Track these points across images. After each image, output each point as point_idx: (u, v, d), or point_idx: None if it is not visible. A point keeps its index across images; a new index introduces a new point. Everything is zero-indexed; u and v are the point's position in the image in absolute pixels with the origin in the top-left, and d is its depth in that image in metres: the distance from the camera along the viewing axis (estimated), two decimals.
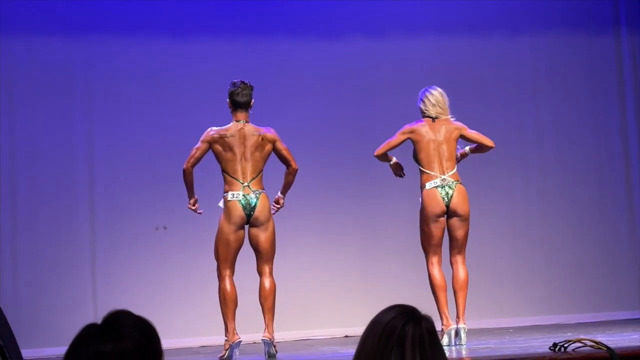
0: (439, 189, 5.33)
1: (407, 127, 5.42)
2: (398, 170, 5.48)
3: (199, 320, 6.38)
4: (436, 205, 5.31)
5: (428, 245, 5.36)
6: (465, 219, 5.36)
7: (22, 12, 6.48)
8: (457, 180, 5.38)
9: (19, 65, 6.49)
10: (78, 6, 6.57)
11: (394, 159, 5.46)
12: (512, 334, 6.06)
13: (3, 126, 6.45)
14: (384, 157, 5.45)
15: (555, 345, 4.08)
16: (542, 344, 4.70)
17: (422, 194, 5.38)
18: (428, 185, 5.33)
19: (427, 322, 1.63)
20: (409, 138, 5.40)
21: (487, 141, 5.47)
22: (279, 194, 5.40)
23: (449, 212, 5.34)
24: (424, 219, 5.36)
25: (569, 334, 5.23)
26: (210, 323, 5.89)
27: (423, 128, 5.40)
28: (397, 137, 5.40)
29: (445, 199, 5.32)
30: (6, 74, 6.47)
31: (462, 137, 5.44)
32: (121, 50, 6.64)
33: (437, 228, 5.33)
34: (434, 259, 5.35)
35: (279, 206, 5.39)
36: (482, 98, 7.10)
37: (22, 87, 6.50)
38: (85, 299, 6.41)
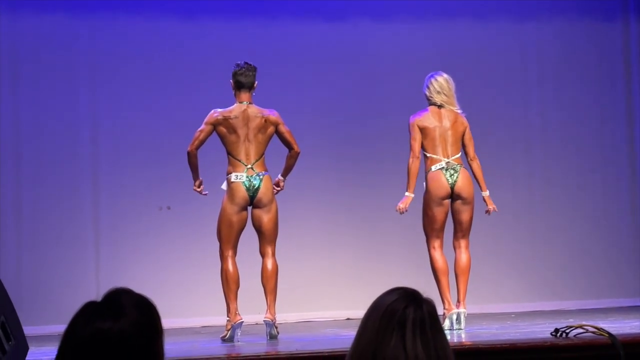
0: (444, 171, 5.32)
1: (415, 121, 5.36)
2: (405, 205, 5.37)
3: (201, 301, 6.40)
4: (441, 187, 5.30)
5: (431, 229, 5.35)
6: (469, 202, 5.34)
7: None
8: (461, 164, 5.37)
9: (24, 42, 6.48)
10: None
11: (413, 195, 5.32)
12: (513, 319, 6.06)
13: (7, 104, 6.45)
14: (415, 171, 5.26)
15: (556, 330, 4.08)
16: (543, 329, 4.70)
17: (426, 177, 5.37)
18: (434, 168, 5.32)
19: (429, 305, 1.63)
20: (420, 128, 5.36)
21: (472, 151, 5.41)
22: (279, 176, 5.40)
23: (454, 195, 5.33)
24: (428, 203, 5.34)
25: (571, 319, 5.23)
26: (213, 303, 5.91)
27: (428, 117, 5.38)
28: (416, 132, 5.33)
29: (450, 180, 5.31)
30: (10, 52, 6.46)
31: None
32: (126, 28, 6.62)
33: (440, 212, 5.32)
34: (436, 243, 5.35)
35: (279, 189, 5.39)
36: (487, 84, 7.07)
37: (27, 64, 6.48)
38: (88, 278, 6.43)
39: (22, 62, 6.48)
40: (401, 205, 5.35)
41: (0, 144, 6.44)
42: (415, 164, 5.31)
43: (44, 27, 6.50)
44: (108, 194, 6.55)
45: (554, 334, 4.08)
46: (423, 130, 5.37)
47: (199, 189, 5.35)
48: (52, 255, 6.43)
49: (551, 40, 7.22)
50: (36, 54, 6.49)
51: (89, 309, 1.52)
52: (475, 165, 5.43)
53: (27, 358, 4.02)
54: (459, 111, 5.43)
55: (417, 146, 5.31)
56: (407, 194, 5.36)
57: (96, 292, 6.27)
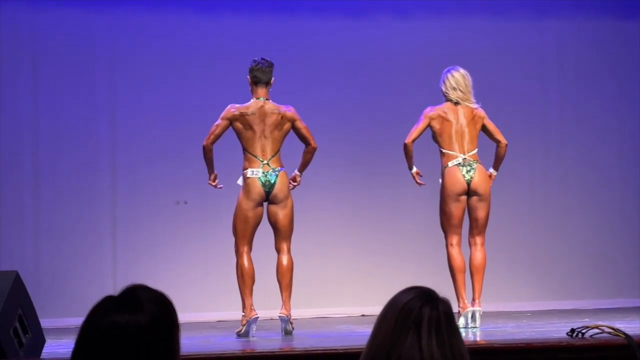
0: (460, 167, 5.30)
1: (430, 112, 5.36)
2: (417, 178, 5.41)
3: (216, 295, 6.42)
4: (457, 183, 5.29)
5: (448, 225, 5.33)
6: (485, 199, 5.32)
7: None
8: (478, 161, 5.35)
9: (43, 37, 6.51)
10: None
11: (415, 169, 5.39)
12: (529, 318, 6.04)
13: (26, 96, 6.49)
14: (410, 153, 5.31)
15: (572, 330, 4.06)
16: (559, 329, 4.68)
17: (443, 173, 5.35)
18: (450, 164, 5.30)
19: (445, 304, 1.63)
20: (430, 123, 5.35)
21: (501, 137, 5.41)
22: (296, 171, 5.40)
23: (470, 191, 5.31)
24: (445, 199, 5.33)
25: (587, 319, 5.21)
26: (228, 298, 5.92)
27: (444, 112, 5.35)
28: (424, 121, 5.33)
29: (467, 177, 5.29)
30: (30, 44, 6.49)
31: (482, 125, 5.40)
32: (145, 21, 6.64)
33: (457, 208, 5.30)
34: (454, 240, 5.33)
35: (295, 184, 5.39)
36: (505, 81, 7.04)
37: (46, 57, 6.52)
38: (105, 271, 6.46)
39: (41, 57, 6.51)
40: (416, 182, 5.36)
41: (20, 138, 6.48)
42: (408, 146, 5.29)
43: (63, 21, 6.53)
44: (125, 187, 6.58)
45: (569, 334, 4.06)
46: (438, 127, 5.35)
47: (213, 183, 5.37)
48: (69, 248, 6.47)
49: (570, 37, 7.17)
50: (55, 48, 6.52)
51: (107, 302, 1.53)
52: (503, 149, 5.38)
53: (43, 350, 4.05)
54: (474, 106, 5.40)
55: (414, 134, 5.30)
56: (410, 171, 5.35)
57: (113, 285, 6.30)
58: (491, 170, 5.42)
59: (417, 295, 1.61)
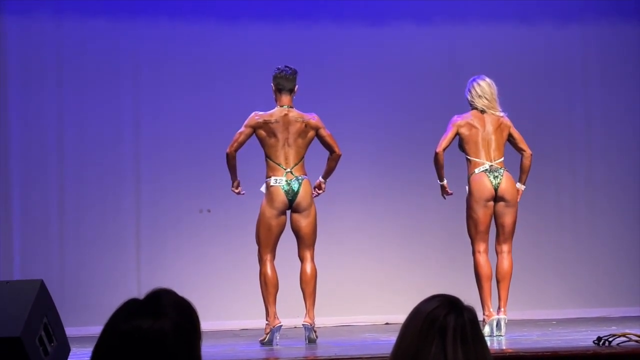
0: (488, 173, 5.28)
1: (457, 120, 5.34)
2: (446, 191, 5.39)
3: (240, 303, 6.42)
4: (485, 189, 5.26)
5: (476, 232, 5.30)
6: (512, 205, 5.29)
7: None
8: (504, 168, 5.33)
9: (68, 46, 6.57)
10: None
11: (445, 181, 5.36)
12: (555, 325, 5.99)
13: (52, 106, 6.54)
14: (441, 162, 5.27)
15: (599, 339, 4.01)
16: (586, 337, 4.64)
17: (469, 180, 5.32)
18: (477, 170, 5.28)
19: (470, 313, 1.61)
20: (458, 131, 5.33)
21: (526, 146, 5.38)
22: (320, 178, 5.39)
23: (497, 198, 5.29)
24: (472, 205, 5.30)
25: (614, 327, 5.15)
26: (252, 306, 5.92)
27: (471, 120, 5.33)
28: (453, 130, 5.31)
29: (494, 182, 5.27)
30: (55, 55, 6.55)
31: (508, 134, 5.37)
32: (168, 32, 6.68)
33: (485, 214, 5.26)
34: (481, 247, 5.29)
35: (320, 191, 5.38)
36: (531, 88, 7.00)
37: (71, 68, 6.57)
38: (129, 279, 6.49)
39: (66, 66, 6.56)
40: (444, 195, 5.33)
41: (45, 148, 6.53)
42: (439, 155, 5.27)
43: (87, 33, 6.58)
44: (149, 196, 6.61)
45: (596, 342, 4.02)
46: (465, 135, 5.33)
47: (236, 190, 5.37)
48: (94, 257, 6.51)
49: (595, 43, 7.12)
50: (79, 59, 6.58)
51: (130, 306, 1.53)
52: (528, 159, 5.36)
53: (69, 359, 4.06)
54: (501, 114, 5.37)
55: (444, 143, 5.28)
56: (440, 183, 5.33)
57: (137, 294, 6.27)
58: (519, 184, 5.38)
59: (442, 303, 1.60)
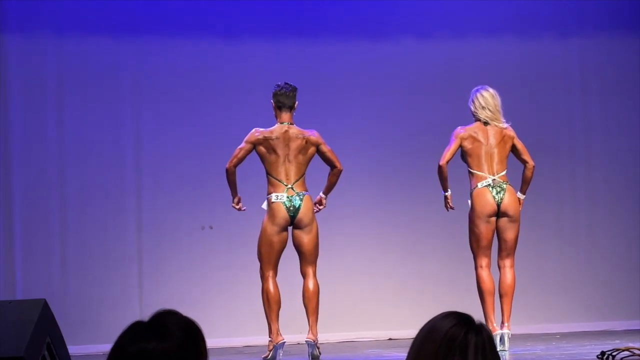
0: (490, 188, 5.27)
1: (461, 132, 5.34)
2: (448, 203, 5.39)
3: (243, 320, 6.41)
4: (487, 204, 5.25)
5: (477, 246, 5.29)
6: (515, 220, 5.29)
7: (72, 13, 6.57)
8: (507, 182, 5.32)
9: (69, 65, 6.58)
10: (127, 8, 6.65)
11: (449, 192, 5.36)
12: (558, 340, 5.97)
13: (52, 124, 6.55)
14: (445, 175, 5.27)
15: (603, 353, 4.00)
16: (589, 351, 4.63)
17: (472, 194, 5.32)
18: (479, 185, 5.27)
19: (486, 330, 1.64)
20: (461, 143, 5.33)
21: (529, 158, 5.38)
22: (321, 194, 5.40)
23: (500, 213, 5.28)
24: (474, 220, 5.29)
25: (617, 341, 5.14)
26: (255, 323, 5.91)
27: (475, 132, 5.33)
28: (456, 142, 5.30)
29: (497, 198, 5.26)
30: (56, 74, 6.57)
31: (511, 145, 5.37)
32: (169, 50, 6.70)
33: (487, 229, 5.25)
34: (483, 262, 5.28)
35: (321, 207, 5.38)
36: (530, 101, 7.01)
37: (72, 86, 6.58)
38: (131, 297, 6.48)
39: (66, 85, 6.58)
40: (446, 206, 5.34)
41: (46, 165, 6.54)
42: (442, 168, 5.26)
43: (88, 50, 6.60)
44: (151, 213, 6.61)
45: (600, 356, 4.01)
46: (468, 147, 5.32)
47: (237, 206, 5.38)
48: (96, 275, 6.50)
49: (595, 55, 7.14)
50: (81, 77, 6.59)
51: (135, 328, 1.53)
52: (530, 170, 5.36)
53: None
54: (504, 126, 5.37)
55: (447, 156, 5.27)
56: (444, 193, 5.33)
57: (139, 311, 6.31)
58: (519, 194, 5.38)
59: (460, 322, 1.61)
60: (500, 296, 5.31)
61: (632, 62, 7.17)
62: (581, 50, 7.12)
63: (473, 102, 5.36)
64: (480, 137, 5.32)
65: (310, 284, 5.24)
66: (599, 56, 7.14)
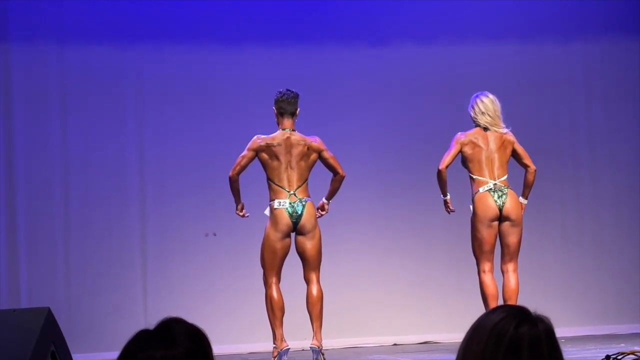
0: (492, 192, 5.27)
1: (461, 138, 5.35)
2: (448, 207, 5.40)
3: (247, 327, 6.41)
4: (489, 209, 5.25)
5: (480, 251, 5.29)
6: (517, 224, 5.29)
7: (74, 21, 6.59)
8: (509, 186, 5.32)
9: (72, 74, 6.60)
10: (129, 17, 6.67)
11: (449, 196, 5.37)
12: (563, 344, 5.92)
13: (56, 133, 6.57)
14: (444, 179, 5.28)
15: (608, 357, 4.00)
16: (594, 355, 4.62)
17: (473, 199, 5.32)
18: (481, 189, 5.27)
19: (544, 322, 1.40)
20: (462, 149, 5.33)
21: (530, 162, 5.38)
22: (323, 199, 5.40)
23: (502, 217, 5.28)
24: (477, 225, 5.29)
25: (622, 345, 5.13)
26: (259, 330, 5.91)
27: (475, 137, 5.34)
28: (456, 147, 5.31)
29: (499, 202, 5.26)
30: (59, 82, 6.58)
31: (512, 150, 5.38)
32: (172, 58, 6.72)
33: (489, 234, 5.25)
34: (486, 267, 5.28)
35: (324, 212, 5.39)
36: (533, 106, 7.02)
37: (74, 94, 6.60)
38: (135, 304, 6.48)
39: (69, 94, 6.59)
40: (446, 210, 5.33)
41: (50, 174, 6.55)
42: (442, 172, 5.26)
43: (91, 59, 6.62)
44: (155, 220, 6.61)
45: None
46: (469, 152, 5.33)
47: (240, 213, 5.38)
48: (100, 283, 6.50)
49: (598, 60, 7.14)
50: (83, 85, 6.61)
51: (142, 337, 1.54)
52: (531, 174, 5.36)
53: None
54: (504, 131, 5.37)
55: (447, 160, 5.28)
56: (443, 198, 5.33)
57: (144, 319, 6.31)
58: (521, 198, 5.38)
59: (509, 314, 1.40)
60: (504, 301, 5.30)
61: (635, 66, 7.18)
62: (583, 54, 7.12)
63: (473, 107, 5.37)
64: (481, 143, 5.32)
65: (314, 290, 5.24)
66: (601, 60, 7.15)
